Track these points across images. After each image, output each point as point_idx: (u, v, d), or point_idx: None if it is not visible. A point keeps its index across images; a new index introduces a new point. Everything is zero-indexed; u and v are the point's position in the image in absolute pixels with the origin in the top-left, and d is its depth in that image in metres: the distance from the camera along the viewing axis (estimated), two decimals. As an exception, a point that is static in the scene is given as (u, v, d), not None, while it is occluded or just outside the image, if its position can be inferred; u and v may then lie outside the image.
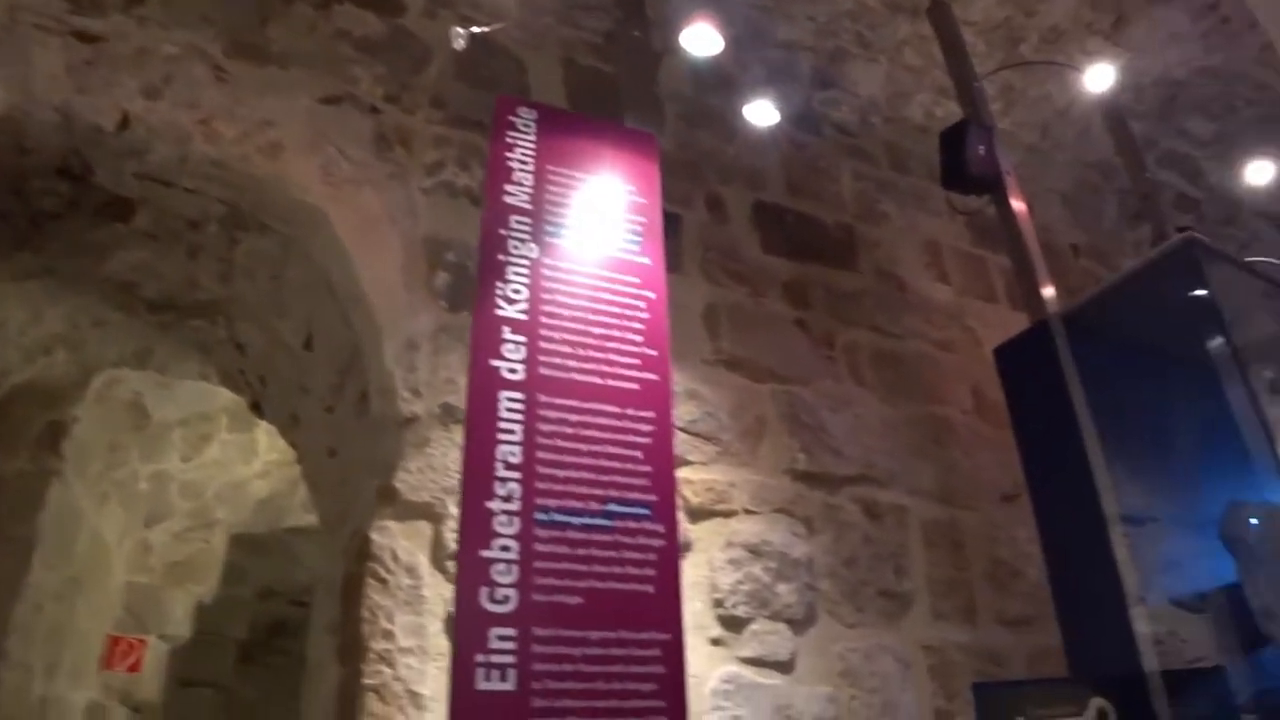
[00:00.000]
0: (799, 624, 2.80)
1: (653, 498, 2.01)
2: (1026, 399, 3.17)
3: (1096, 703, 2.46)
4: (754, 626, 2.71)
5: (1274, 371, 4.46)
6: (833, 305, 3.51)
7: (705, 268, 3.21)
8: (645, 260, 2.34)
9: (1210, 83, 4.77)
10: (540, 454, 1.94)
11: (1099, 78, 4.06)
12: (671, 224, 3.18)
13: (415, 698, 2.34)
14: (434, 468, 2.54)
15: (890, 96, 4.32)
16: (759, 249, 3.44)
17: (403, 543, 2.49)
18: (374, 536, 2.46)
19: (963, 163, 3.28)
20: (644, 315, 2.23)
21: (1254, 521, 3.05)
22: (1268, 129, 4.91)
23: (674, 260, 3.08)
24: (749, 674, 2.65)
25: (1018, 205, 3.34)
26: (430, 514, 2.51)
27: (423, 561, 2.48)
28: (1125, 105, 4.83)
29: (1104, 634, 2.75)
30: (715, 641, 2.66)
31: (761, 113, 3.72)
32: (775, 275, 3.41)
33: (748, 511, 2.84)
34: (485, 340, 2.01)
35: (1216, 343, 4.03)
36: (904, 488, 3.26)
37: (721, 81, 3.80)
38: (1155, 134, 5.03)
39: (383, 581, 2.44)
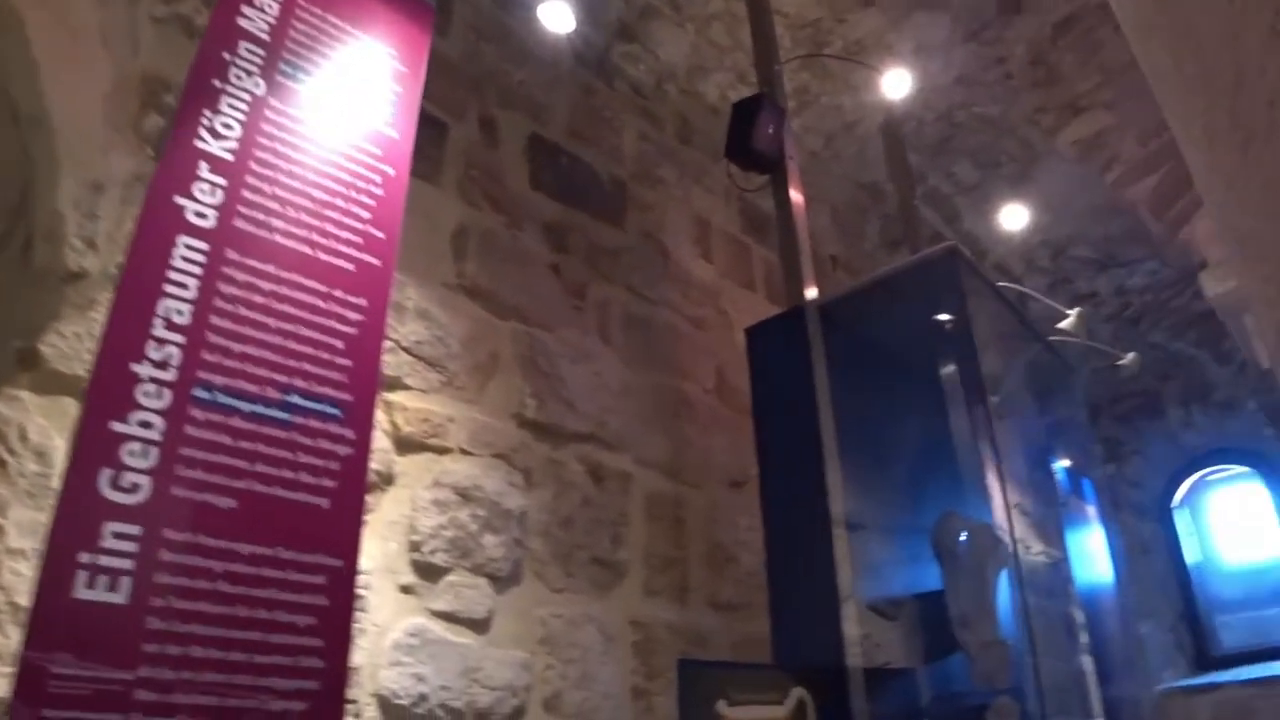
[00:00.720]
0: (502, 581, 2.55)
1: (347, 398, 1.69)
2: (770, 384, 3.09)
3: (797, 693, 2.39)
4: (452, 578, 2.43)
5: (1001, 399, 4.69)
6: (592, 257, 3.30)
7: (464, 186, 2.90)
8: (393, 134, 2.01)
9: (984, 130, 5.00)
10: (216, 320, 1.58)
11: (894, 86, 4.10)
12: (437, 131, 2.85)
13: (17, 611, 1.88)
14: (95, 335, 2.07)
15: (690, 68, 4.20)
16: (526, 183, 3.17)
17: (38, 420, 2.01)
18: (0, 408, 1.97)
19: (751, 136, 3.18)
20: (378, 192, 1.91)
21: (963, 536, 3.13)
22: (1021, 186, 5.20)
23: (431, 169, 2.76)
24: (439, 629, 2.37)
25: (795, 192, 3.28)
26: (81, 391, 2.05)
27: (59, 446, 2.01)
28: (906, 135, 4.97)
29: (812, 628, 2.71)
30: (405, 589, 2.35)
31: (558, 47, 3.47)
32: (538, 213, 3.15)
33: (464, 452, 2.55)
34: (174, 172, 1.62)
35: (949, 368, 4.18)
36: (633, 455, 3.09)
37: (523, 2, 3.51)
38: (926, 169, 5.21)
39: (2, 464, 1.96)
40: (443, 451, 2.49)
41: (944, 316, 3.30)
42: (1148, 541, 7.92)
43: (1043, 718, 3.09)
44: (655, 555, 3.02)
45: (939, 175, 5.38)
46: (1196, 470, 8.26)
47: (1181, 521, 8.25)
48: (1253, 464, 7.97)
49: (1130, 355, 4.70)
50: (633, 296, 3.42)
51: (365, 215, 1.85)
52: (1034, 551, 5.98)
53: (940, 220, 5.68)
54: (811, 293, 3.05)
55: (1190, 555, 8.11)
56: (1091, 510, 6.42)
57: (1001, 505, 5.19)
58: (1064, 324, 4.34)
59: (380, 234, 1.87)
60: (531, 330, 2.91)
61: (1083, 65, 4.57)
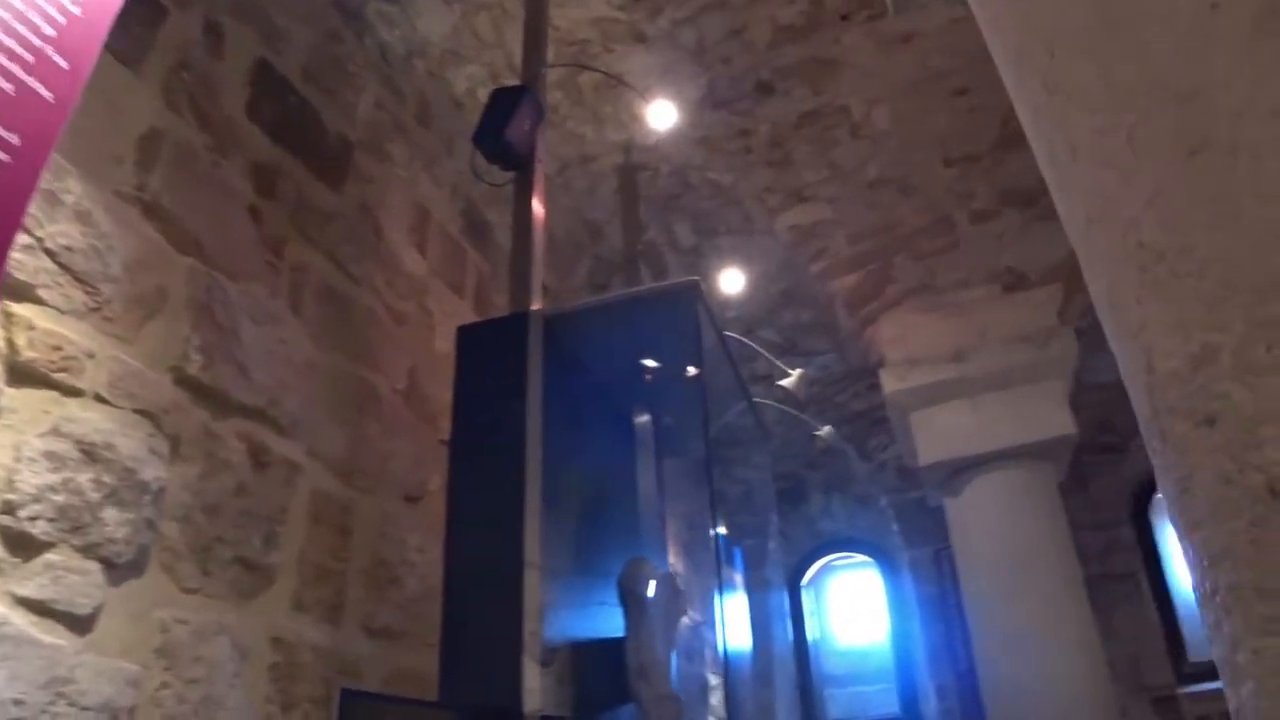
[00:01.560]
0: (119, 570, 2.01)
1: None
2: (477, 394, 2.79)
3: (461, 733, 2.07)
4: (53, 556, 1.87)
5: (692, 453, 4.65)
6: (299, 212, 2.86)
7: (170, 86, 2.38)
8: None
9: (714, 197, 5.08)
10: None
11: (657, 116, 4.03)
12: (152, 10, 2.33)
13: None
14: None
15: (445, 52, 3.89)
16: (243, 109, 2.69)
17: None
18: None
19: (506, 126, 2.94)
20: (75, 10, 1.42)
21: (652, 585, 2.97)
22: (735, 256, 5.33)
23: (135, 51, 2.23)
24: (21, 621, 1.80)
25: (539, 198, 3.07)
26: None
27: None
28: (640, 182, 4.94)
29: (488, 669, 2.39)
30: (-20, 563, 1.77)
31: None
32: (249, 146, 2.68)
33: (99, 399, 2.00)
34: None
35: (644, 416, 4.08)
36: (307, 445, 2.65)
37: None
38: (649, 221, 5.20)
39: None
40: (71, 393, 1.94)
41: (691, 370, 3.19)
42: (773, 617, 8.34)
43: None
44: (311, 564, 2.58)
45: (659, 230, 5.41)
46: (826, 554, 8.91)
47: (807, 600, 8.83)
48: (874, 555, 8.71)
49: (827, 428, 4.88)
50: (335, 269, 3.00)
51: (48, 30, 1.37)
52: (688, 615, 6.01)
53: (649, 275, 5.69)
54: (537, 303, 2.82)
55: (810, 632, 8.69)
56: (739, 578, 6.65)
57: (673, 561, 5.16)
58: (786, 381, 4.43)
59: (63, 63, 1.39)
60: (214, 274, 2.42)
61: (816, 158, 4.78)
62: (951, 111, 4.61)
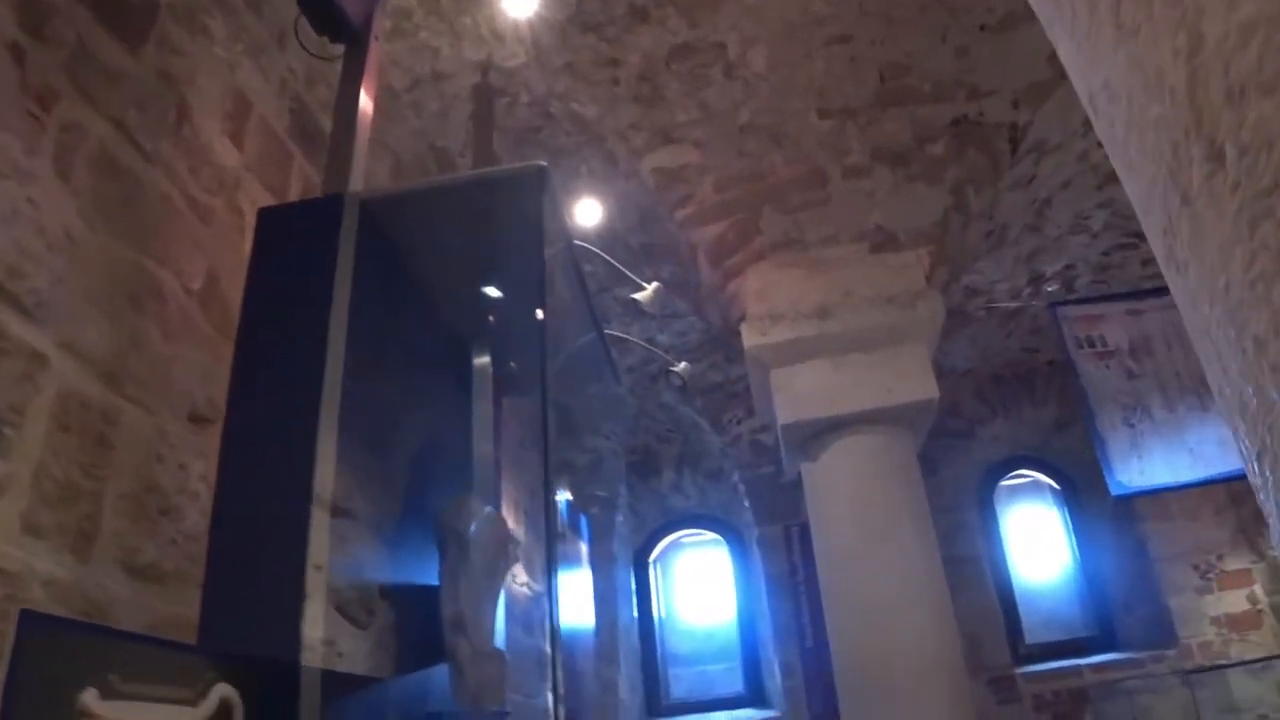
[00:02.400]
0: None
1: None
2: (273, 291, 2.34)
3: (222, 690, 1.62)
4: None
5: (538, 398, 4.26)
6: (79, 64, 2.32)
7: None
8: None
9: (575, 132, 4.70)
10: None
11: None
12: None
13: None
14: None
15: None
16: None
17: None
18: None
19: (340, -9, 2.50)
20: None
21: (474, 525, 2.57)
22: (594, 198, 4.94)
23: None
24: None
25: (370, 80, 2.64)
26: None
27: None
28: (498, 110, 4.52)
29: (260, 615, 1.95)
30: None
31: None
32: (10, -36, 2.12)
33: None
34: None
35: (484, 356, 3.67)
36: (58, 334, 2.13)
37: None
38: (503, 154, 4.78)
39: None
40: None
41: (538, 313, 2.79)
42: (618, 592, 8.05)
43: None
44: (53, 480, 2.06)
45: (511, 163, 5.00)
46: (675, 531, 8.67)
47: (654, 577, 8.57)
48: (723, 533, 8.53)
49: (683, 364, 4.57)
50: (122, 139, 2.47)
51: None
52: (518, 580, 5.62)
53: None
54: (356, 184, 2.39)
55: (656, 609, 8.43)
56: (584, 549, 6.31)
57: (511, 517, 4.76)
58: (641, 295, 4.08)
59: None
60: (-66, 102, 1.87)
61: (686, 97, 4.46)
62: (829, 60, 4.38)
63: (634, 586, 8.29)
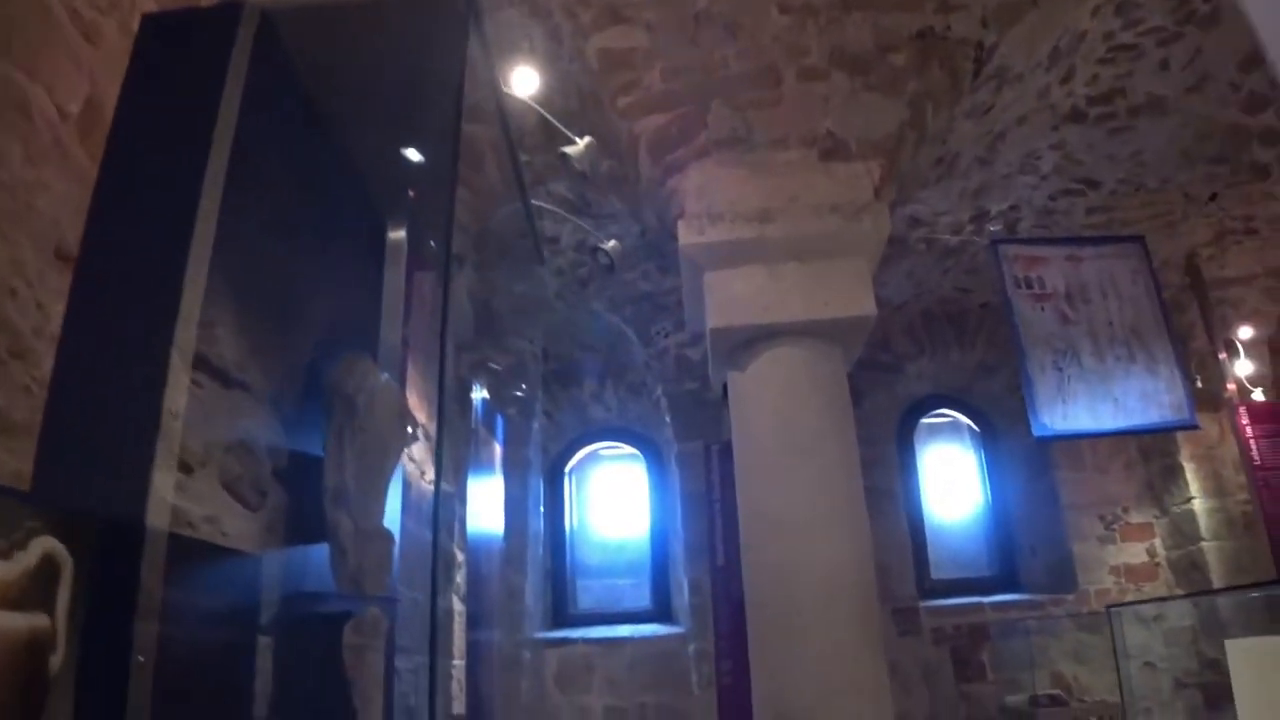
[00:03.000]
0: None
1: None
2: (148, 114, 2.02)
3: (46, 544, 1.37)
4: None
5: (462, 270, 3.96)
6: None
7: None
8: None
9: (514, 4, 4.33)
10: None
11: None
12: None
13: None
14: None
15: None
16: None
17: None
18: None
19: None
20: None
21: (364, 391, 2.31)
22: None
23: None
24: None
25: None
26: None
27: None
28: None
29: (103, 467, 1.69)
30: None
31: None
32: None
33: None
34: None
35: (398, 234, 3.39)
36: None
37: None
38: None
39: None
40: None
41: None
42: (530, 500, 7.89)
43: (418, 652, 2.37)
44: None
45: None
46: (593, 442, 8.50)
47: (568, 487, 8.42)
48: (641, 448, 8.40)
49: (611, 243, 4.32)
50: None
51: None
52: (428, 479, 5.37)
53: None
54: None
55: (568, 520, 8.30)
56: (498, 451, 6.09)
57: (422, 413, 4.49)
58: (572, 149, 3.80)
59: None
60: None
61: (639, -29, 4.13)
62: (794, -54, 4.09)
63: (547, 496, 8.14)
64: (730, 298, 4.19)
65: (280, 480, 2.36)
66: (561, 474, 8.31)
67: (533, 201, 4.62)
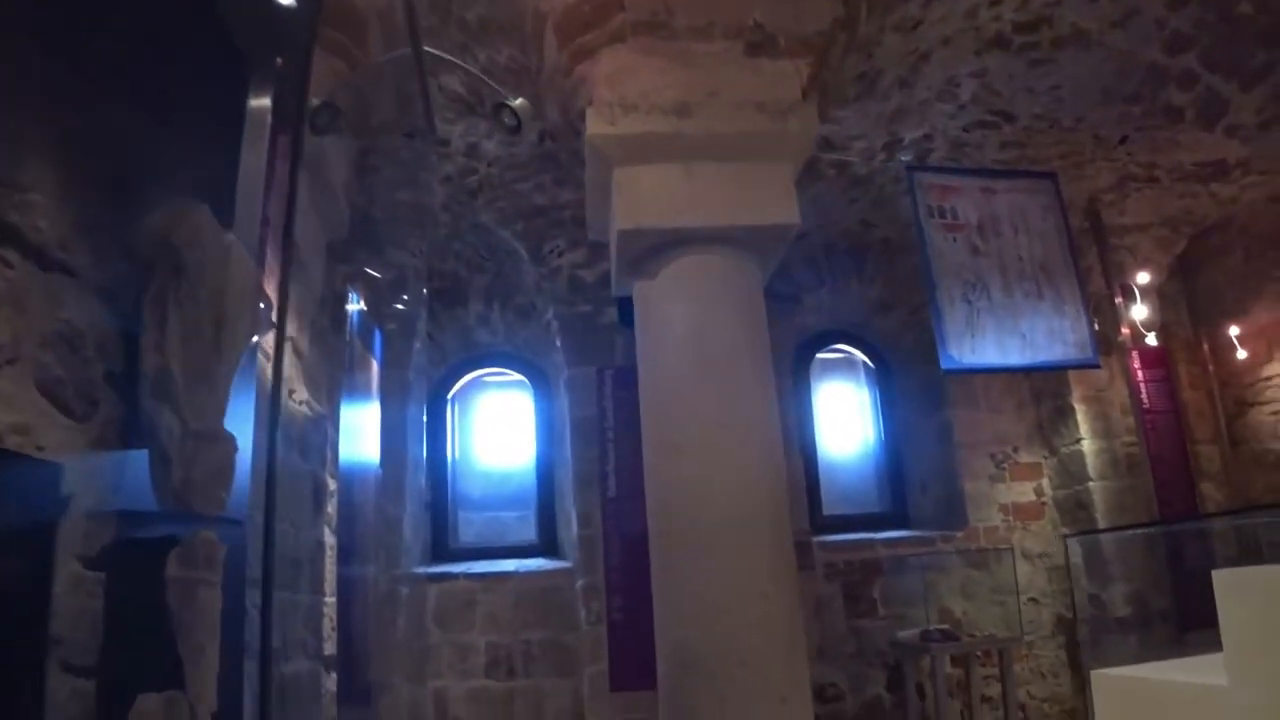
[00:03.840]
0: None
1: None
2: None
3: None
4: None
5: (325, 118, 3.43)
6: None
7: None
8: None
9: None
10: None
11: None
12: None
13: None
14: None
15: None
16: None
17: None
18: None
19: None
20: None
21: (198, 249, 1.78)
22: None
23: None
24: None
25: None
26: None
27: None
28: None
29: None
30: None
31: None
32: None
33: None
34: None
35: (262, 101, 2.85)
36: None
37: None
38: None
39: None
40: None
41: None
42: (409, 427, 7.33)
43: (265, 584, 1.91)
44: None
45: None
46: (478, 368, 7.99)
47: (450, 415, 7.90)
48: (529, 374, 7.93)
49: (520, 100, 3.82)
50: None
51: None
52: (297, 398, 4.79)
53: None
54: None
55: (450, 450, 7.80)
56: (375, 370, 5.53)
57: (293, 324, 3.92)
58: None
59: None
60: None
61: None
62: None
63: (428, 423, 7.61)
64: (641, 197, 3.76)
65: (116, 387, 1.85)
66: (444, 400, 7.77)
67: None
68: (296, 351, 5.27)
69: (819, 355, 8.39)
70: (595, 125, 3.74)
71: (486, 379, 8.07)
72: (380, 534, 6.27)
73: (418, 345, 7.08)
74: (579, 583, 6.42)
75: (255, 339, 2.40)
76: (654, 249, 3.83)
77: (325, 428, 5.08)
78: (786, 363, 7.70)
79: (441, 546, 7.31)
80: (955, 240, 6.04)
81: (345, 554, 4.66)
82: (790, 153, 3.87)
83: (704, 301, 3.72)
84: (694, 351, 3.64)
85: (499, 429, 8.04)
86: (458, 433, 7.90)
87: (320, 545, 4.88)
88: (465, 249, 7.19)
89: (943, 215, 6.04)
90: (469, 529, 7.61)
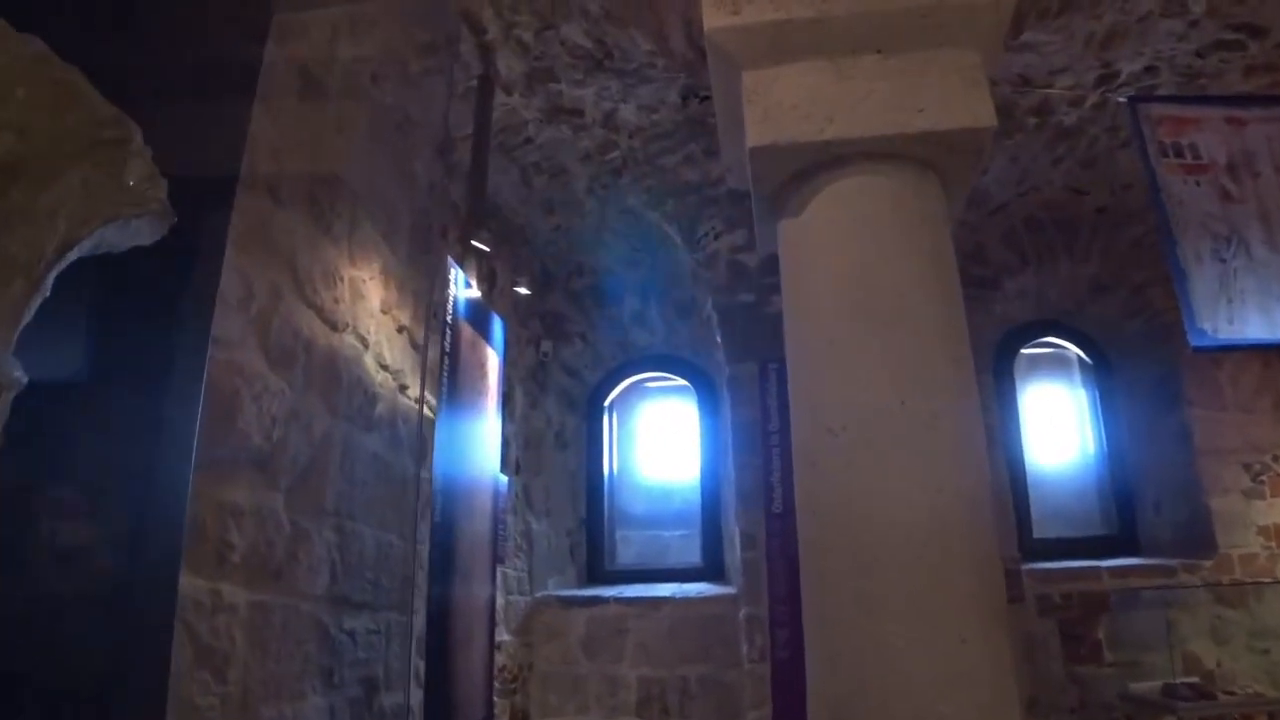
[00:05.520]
0: None
1: None
2: None
3: None
4: None
5: None
6: None
7: None
8: None
9: None
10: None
11: None
12: None
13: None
14: None
15: None
16: None
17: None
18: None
19: None
20: None
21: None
22: None
23: None
24: None
25: None
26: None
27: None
28: None
29: None
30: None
31: None
32: None
33: None
34: None
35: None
36: None
37: None
38: None
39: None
40: None
41: None
42: (567, 436, 6.53)
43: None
44: None
45: None
46: (636, 373, 7.12)
47: (608, 425, 7.07)
48: (691, 379, 6.98)
49: None
50: None
51: None
52: (411, 394, 4.10)
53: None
54: None
55: (608, 462, 6.96)
56: (492, 359, 4.75)
57: (378, 293, 3.19)
58: None
59: None
60: None
61: None
62: None
63: (585, 433, 6.80)
64: (778, 105, 2.74)
65: None
66: (600, 408, 6.95)
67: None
68: (413, 343, 4.57)
69: (1024, 351, 6.97)
70: (714, 17, 2.76)
71: (647, 384, 7.20)
72: (514, 551, 5.49)
73: (569, 349, 6.31)
74: (742, 612, 5.36)
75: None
76: (798, 175, 2.80)
77: (417, 420, 4.36)
78: (985, 360, 6.38)
79: (597, 568, 6.45)
80: (1198, 184, 4.58)
81: (442, 566, 3.83)
82: (978, 36, 2.74)
83: (868, 238, 2.65)
84: (856, 306, 2.58)
85: (662, 439, 7.14)
86: (616, 443, 7.05)
87: (411, 556, 4.13)
88: (616, 240, 6.37)
89: (1179, 154, 4.60)
90: (627, 549, 6.72)
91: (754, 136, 2.74)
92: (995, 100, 2.85)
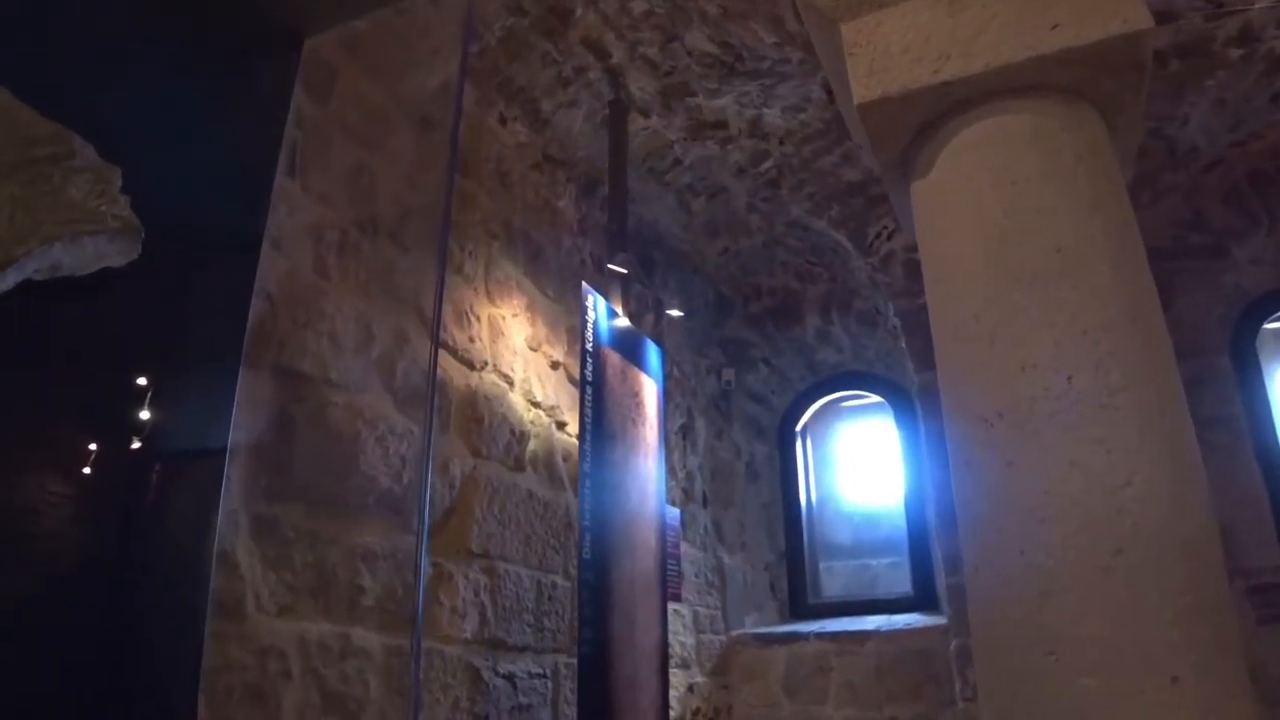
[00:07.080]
0: None
1: None
2: None
3: None
4: None
5: None
6: None
7: None
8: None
9: None
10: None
11: None
12: None
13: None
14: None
15: None
16: None
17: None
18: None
19: None
20: None
21: None
22: None
23: None
24: None
25: None
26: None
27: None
28: None
29: None
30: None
31: None
32: None
33: None
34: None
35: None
36: None
37: None
38: None
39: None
40: None
41: None
42: (758, 465, 6.11)
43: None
44: None
45: None
46: (827, 394, 6.59)
47: (802, 450, 6.57)
48: (885, 394, 6.36)
49: None
50: None
51: None
52: (570, 430, 3.89)
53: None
54: None
55: (804, 490, 6.44)
56: (649, 387, 4.45)
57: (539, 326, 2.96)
58: None
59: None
60: None
61: None
62: None
63: (779, 461, 6.34)
64: (884, 54, 2.28)
65: None
66: (792, 434, 6.46)
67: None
68: (570, 379, 4.36)
69: (1266, 326, 5.77)
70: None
71: (841, 405, 6.64)
72: (697, 586, 5.12)
73: (737, 373, 5.92)
74: (953, 644, 4.67)
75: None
76: (921, 130, 2.32)
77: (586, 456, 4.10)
78: (1220, 338, 5.34)
79: (800, 602, 5.93)
80: None
81: (598, 609, 3.53)
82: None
83: (1008, 188, 2.12)
84: (1002, 270, 2.05)
85: (863, 461, 6.53)
86: (813, 470, 6.52)
87: (559, 591, 3.87)
88: (789, 255, 5.93)
89: None
90: (832, 580, 6.15)
91: (860, 92, 2.29)
92: (1186, 34, 2.21)
